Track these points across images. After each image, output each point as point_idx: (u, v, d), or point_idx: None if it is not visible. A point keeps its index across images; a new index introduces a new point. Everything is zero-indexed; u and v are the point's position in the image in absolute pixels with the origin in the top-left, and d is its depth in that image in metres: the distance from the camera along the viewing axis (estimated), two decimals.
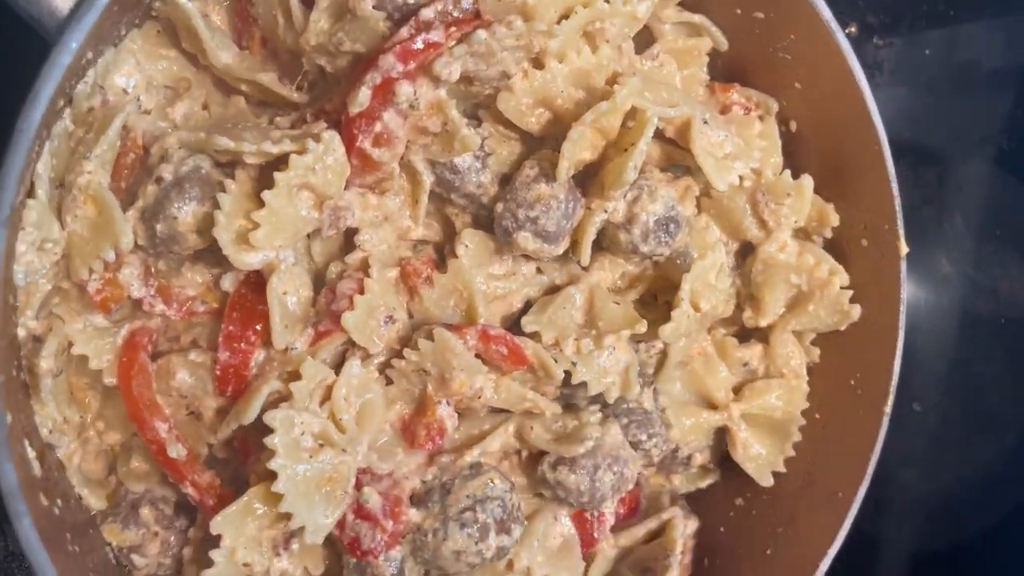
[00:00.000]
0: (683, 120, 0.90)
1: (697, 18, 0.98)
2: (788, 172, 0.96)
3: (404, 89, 0.80)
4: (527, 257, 0.92)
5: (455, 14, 0.81)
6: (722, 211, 0.98)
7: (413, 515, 0.88)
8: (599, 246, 0.93)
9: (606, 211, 0.89)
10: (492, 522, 0.85)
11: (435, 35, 0.79)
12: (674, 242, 0.92)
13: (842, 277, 0.97)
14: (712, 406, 1.00)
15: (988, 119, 1.49)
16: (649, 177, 0.91)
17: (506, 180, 0.92)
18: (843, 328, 0.99)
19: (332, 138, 0.82)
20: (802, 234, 1.00)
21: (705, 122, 0.92)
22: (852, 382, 0.99)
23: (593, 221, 0.89)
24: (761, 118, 1.00)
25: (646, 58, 0.99)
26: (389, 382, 0.89)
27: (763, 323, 0.99)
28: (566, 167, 0.86)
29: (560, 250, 0.90)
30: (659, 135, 0.91)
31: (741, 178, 0.95)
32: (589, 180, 0.91)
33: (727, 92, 1.00)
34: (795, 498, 0.99)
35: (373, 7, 0.79)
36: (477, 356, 0.87)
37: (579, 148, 0.87)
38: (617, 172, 0.86)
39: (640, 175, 0.89)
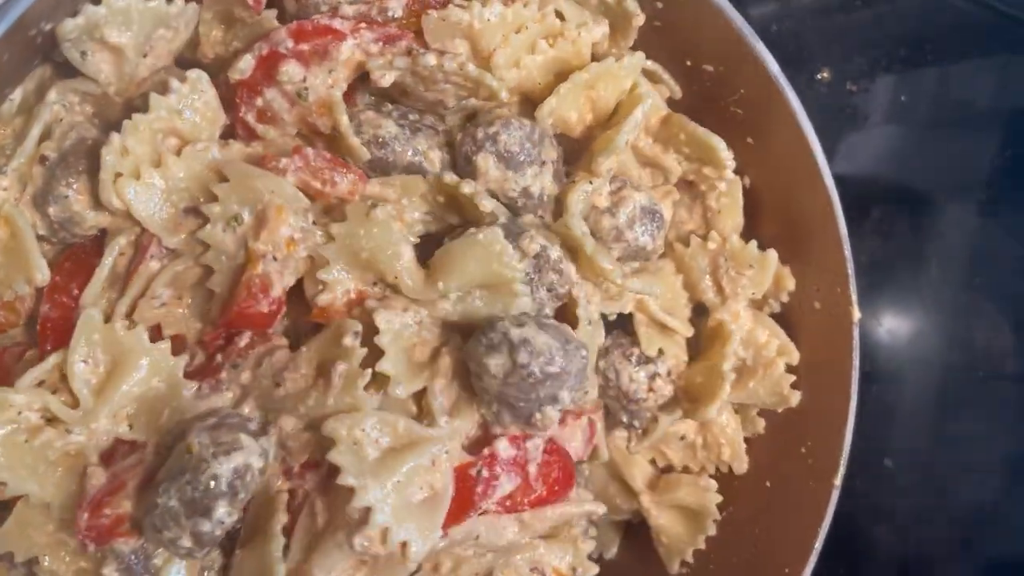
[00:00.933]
0: (661, 116, 0.89)
1: (650, 64, 0.95)
2: (754, 243, 0.94)
3: (289, 69, 0.77)
4: None
5: (377, 18, 0.78)
6: (682, 266, 0.96)
7: None
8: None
9: (591, 183, 0.85)
10: None
11: (336, 23, 0.77)
12: (658, 236, 0.90)
13: (792, 356, 0.95)
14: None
15: (966, 166, 1.47)
16: (630, 177, 0.91)
17: None
18: (779, 411, 0.96)
19: (199, 78, 0.77)
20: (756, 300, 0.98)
21: None
22: (803, 450, 0.96)
23: (577, 191, 0.85)
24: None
25: None
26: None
27: None
28: (547, 110, 0.84)
29: (529, 184, 0.84)
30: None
31: (704, 239, 0.94)
32: (573, 158, 0.90)
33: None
34: (741, 574, 0.95)
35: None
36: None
37: (568, 101, 0.85)
38: (607, 140, 0.84)
39: (617, 178, 0.89)
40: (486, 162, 0.82)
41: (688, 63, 0.93)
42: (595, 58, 0.89)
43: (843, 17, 1.34)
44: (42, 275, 0.76)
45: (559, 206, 0.85)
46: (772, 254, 0.94)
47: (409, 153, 0.83)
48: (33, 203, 0.78)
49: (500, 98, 0.82)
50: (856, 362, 0.91)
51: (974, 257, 1.47)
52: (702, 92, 0.94)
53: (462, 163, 0.84)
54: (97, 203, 0.76)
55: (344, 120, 0.79)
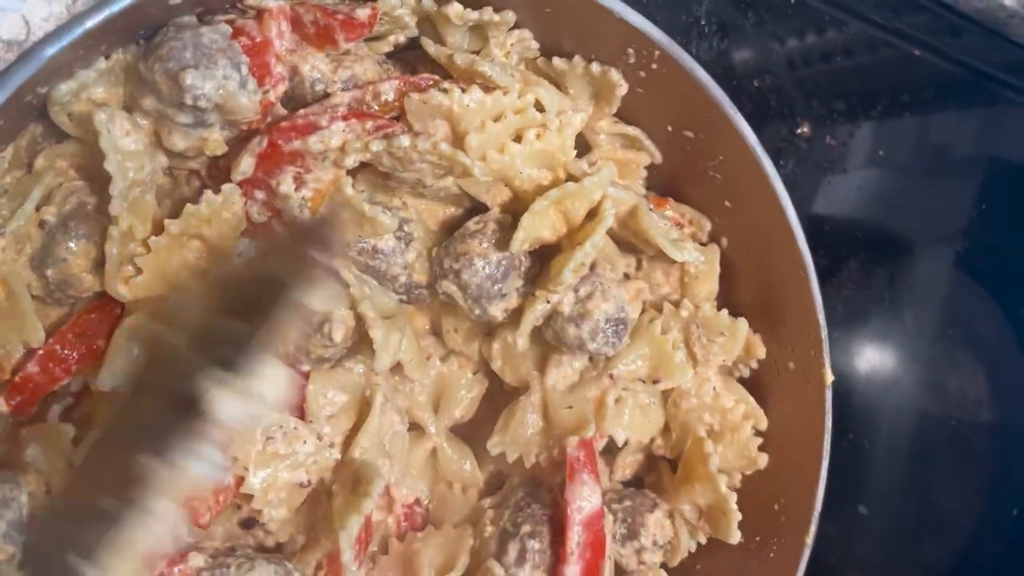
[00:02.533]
0: (631, 206, 0.89)
1: (632, 130, 0.97)
2: (725, 311, 0.96)
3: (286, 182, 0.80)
4: None
5: (372, 104, 0.80)
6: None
7: None
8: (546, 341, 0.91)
9: (548, 301, 0.87)
10: None
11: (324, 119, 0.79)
12: (620, 344, 0.90)
13: (760, 422, 0.97)
14: None
15: (944, 217, 1.49)
16: (602, 275, 0.91)
17: None
18: (749, 472, 0.97)
19: (232, 192, 0.79)
20: (726, 366, 0.99)
21: (651, 210, 0.92)
22: (776, 507, 0.97)
23: (534, 309, 0.87)
24: (705, 244, 1.00)
25: (584, 163, 0.97)
26: None
27: (670, 456, 0.98)
28: (522, 238, 0.84)
29: (489, 315, 0.87)
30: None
31: (677, 306, 0.95)
32: (542, 267, 0.90)
33: (662, 207, 0.99)
34: None
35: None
36: None
37: (539, 223, 0.86)
38: (561, 265, 0.85)
39: (593, 272, 0.89)
40: (451, 288, 0.86)
41: (670, 128, 0.94)
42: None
43: (821, 70, 1.36)
44: (38, 338, 0.77)
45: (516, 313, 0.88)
46: (742, 323, 0.95)
47: (399, 267, 0.87)
48: (30, 264, 0.79)
49: (474, 174, 0.83)
50: (828, 423, 0.93)
51: (949, 307, 1.49)
52: (683, 156, 0.96)
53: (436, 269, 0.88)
54: (96, 266, 0.77)
55: (351, 193, 0.82)
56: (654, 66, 0.86)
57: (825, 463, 0.93)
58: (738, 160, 0.90)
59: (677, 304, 0.97)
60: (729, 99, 0.86)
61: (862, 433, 1.41)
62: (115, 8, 0.66)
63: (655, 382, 0.95)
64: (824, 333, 0.92)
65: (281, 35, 0.82)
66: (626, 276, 0.98)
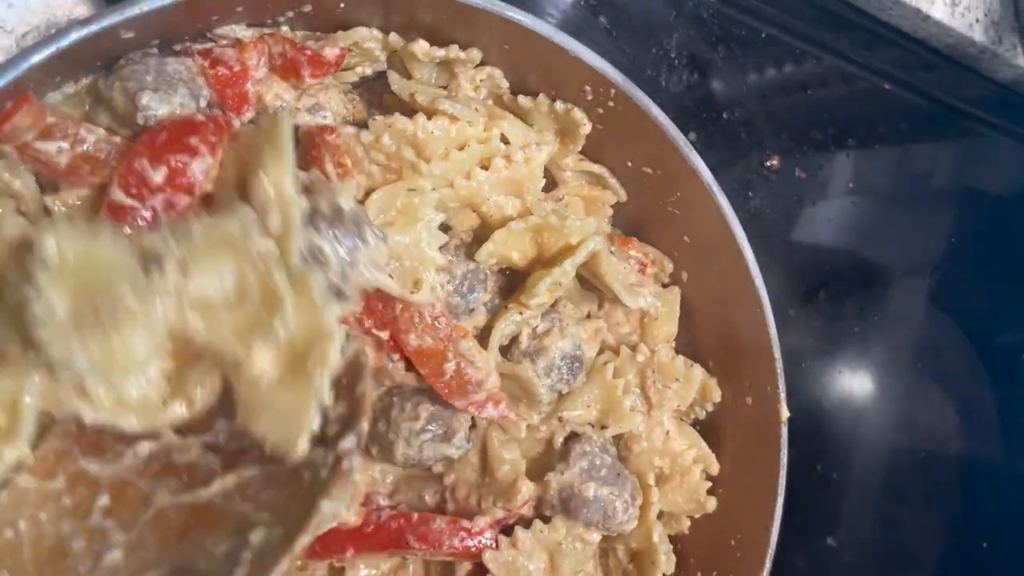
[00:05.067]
0: (594, 249, 0.89)
1: (597, 168, 0.98)
2: (681, 358, 0.97)
3: None
4: None
5: None
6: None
7: None
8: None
9: (521, 314, 0.88)
10: None
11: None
12: (574, 381, 0.92)
13: (711, 466, 0.98)
14: None
15: (914, 251, 1.50)
16: (562, 312, 0.92)
17: None
18: (697, 516, 0.97)
19: None
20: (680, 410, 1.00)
21: (612, 252, 0.93)
22: (733, 543, 0.97)
23: (505, 319, 0.88)
24: (665, 285, 1.01)
25: (551, 199, 0.98)
26: None
27: None
28: (490, 250, 0.86)
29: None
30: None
31: (634, 350, 0.97)
32: (512, 288, 0.92)
33: (626, 246, 1.00)
34: None
35: None
36: None
37: (512, 242, 0.87)
38: (538, 279, 0.86)
39: (553, 309, 0.91)
40: None
41: (629, 164, 0.95)
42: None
43: (790, 103, 1.37)
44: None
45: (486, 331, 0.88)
46: (698, 370, 0.97)
47: None
48: None
49: (421, 173, 0.83)
50: (784, 459, 0.93)
51: (919, 340, 1.50)
52: (643, 190, 0.96)
53: None
54: None
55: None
56: (611, 103, 0.87)
57: (780, 500, 0.93)
58: (695, 196, 0.91)
59: (634, 347, 0.98)
60: (684, 137, 0.87)
61: (831, 465, 1.42)
62: (63, 43, 0.66)
63: (603, 427, 0.95)
64: (780, 369, 0.92)
65: (257, 65, 0.84)
66: (588, 315, 0.98)
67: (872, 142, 1.45)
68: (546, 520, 0.90)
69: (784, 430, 0.94)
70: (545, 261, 0.89)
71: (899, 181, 1.49)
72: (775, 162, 1.36)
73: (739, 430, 0.98)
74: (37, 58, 0.66)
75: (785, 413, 0.93)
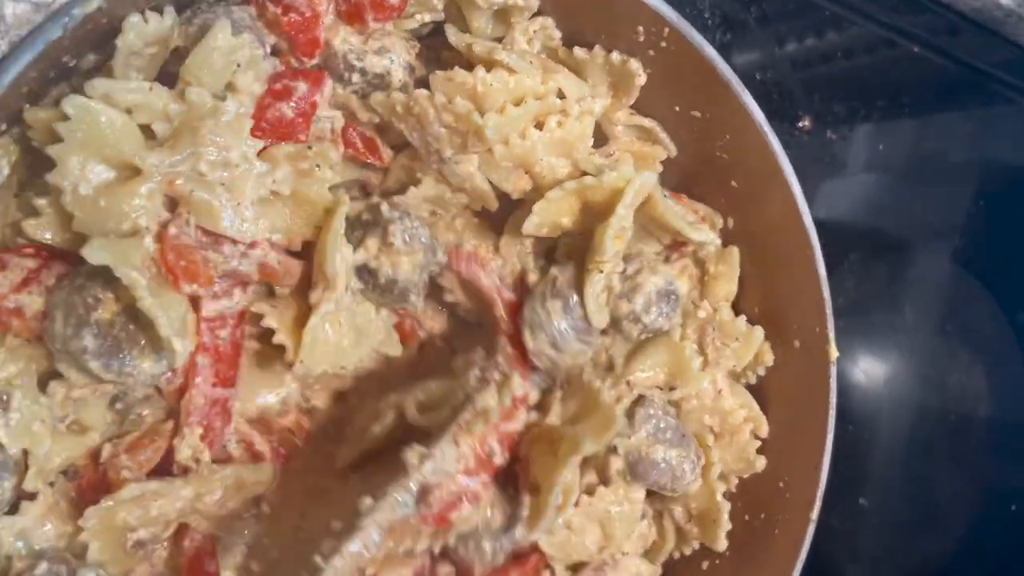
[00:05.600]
0: (643, 186, 0.88)
1: (648, 122, 0.98)
2: (743, 318, 0.98)
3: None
4: None
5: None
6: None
7: None
8: None
9: (602, 271, 0.88)
10: None
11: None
12: (673, 316, 0.93)
13: (761, 427, 0.98)
14: None
15: (943, 214, 1.50)
16: (645, 253, 0.94)
17: None
18: (746, 476, 0.99)
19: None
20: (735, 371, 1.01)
21: (665, 196, 0.93)
22: (781, 484, 0.98)
23: (592, 282, 0.88)
24: (723, 244, 1.01)
25: (602, 155, 0.99)
26: None
27: None
28: (536, 223, 0.87)
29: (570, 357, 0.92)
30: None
31: (695, 306, 0.97)
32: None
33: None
34: None
35: None
36: None
37: (555, 210, 0.87)
38: (601, 234, 0.86)
39: (635, 256, 0.92)
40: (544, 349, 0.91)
41: (677, 109, 0.96)
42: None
43: (823, 68, 1.38)
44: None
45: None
46: (758, 331, 0.97)
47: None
48: None
49: (486, 141, 0.84)
50: (833, 399, 0.94)
51: (948, 303, 1.50)
52: (690, 137, 0.98)
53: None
54: None
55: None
56: (663, 44, 0.88)
57: (830, 437, 0.94)
58: (744, 136, 0.91)
59: (695, 304, 0.99)
60: (736, 76, 0.87)
61: (862, 426, 1.43)
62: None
63: (671, 389, 0.96)
64: (829, 308, 0.93)
65: (327, 11, 0.86)
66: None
67: (901, 107, 1.45)
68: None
69: (833, 370, 0.94)
70: (599, 215, 0.90)
71: (927, 146, 1.49)
72: (807, 123, 1.36)
73: (787, 371, 0.98)
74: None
75: (834, 352, 0.94)
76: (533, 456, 0.87)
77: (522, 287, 0.94)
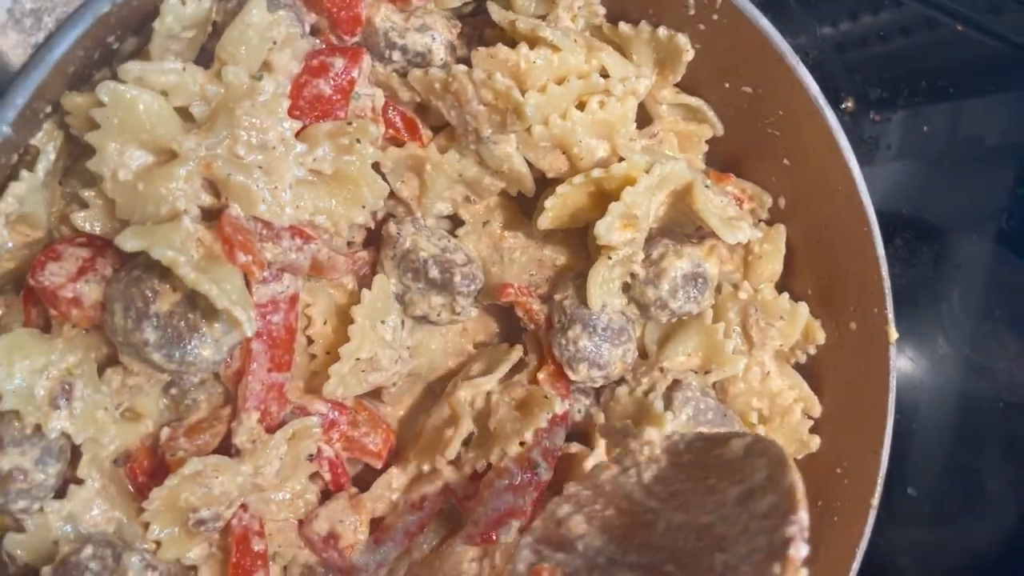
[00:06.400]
0: (685, 182, 0.87)
1: (694, 101, 0.96)
2: (786, 295, 0.95)
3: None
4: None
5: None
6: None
7: None
8: None
9: (611, 258, 0.86)
10: None
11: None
12: (703, 299, 0.91)
13: (813, 408, 0.96)
14: None
15: (988, 196, 1.46)
16: (673, 235, 0.91)
17: None
18: (800, 456, 0.96)
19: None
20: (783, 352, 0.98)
21: (707, 187, 0.90)
22: (839, 471, 0.95)
23: (597, 269, 0.87)
24: (764, 221, 0.99)
25: (645, 136, 0.97)
26: None
27: None
28: (550, 218, 0.86)
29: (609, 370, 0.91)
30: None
31: (736, 288, 0.95)
32: None
33: (723, 182, 0.98)
34: None
35: None
36: None
37: (569, 203, 0.86)
38: (597, 227, 0.84)
39: (661, 237, 0.90)
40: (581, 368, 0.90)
41: (727, 85, 0.93)
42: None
43: (865, 49, 1.36)
44: None
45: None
46: (803, 307, 0.94)
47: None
48: None
49: (525, 119, 0.82)
50: (892, 383, 0.92)
51: (995, 288, 1.46)
52: (739, 114, 0.95)
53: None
54: None
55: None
56: (715, 17, 0.86)
57: (890, 422, 0.91)
58: (799, 114, 0.89)
59: (737, 286, 0.96)
60: (791, 47, 0.84)
61: (910, 415, 1.39)
62: None
63: (707, 373, 0.93)
64: (888, 288, 0.90)
65: None
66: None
67: (943, 87, 1.42)
68: None
69: (893, 351, 0.92)
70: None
71: (970, 126, 1.46)
72: (850, 104, 1.33)
73: (845, 354, 0.95)
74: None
75: (894, 334, 0.92)
76: None
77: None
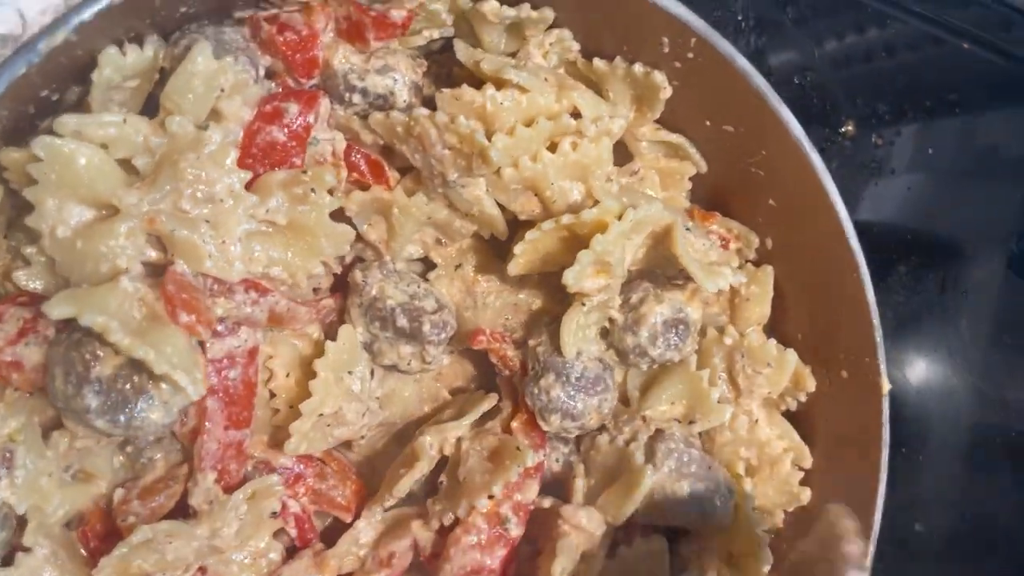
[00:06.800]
0: (664, 225, 0.83)
1: (675, 137, 0.92)
2: (773, 341, 0.91)
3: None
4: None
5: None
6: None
7: None
8: None
9: (584, 304, 0.83)
10: None
11: None
12: (684, 346, 0.87)
13: (804, 459, 0.93)
14: None
15: (997, 219, 1.42)
16: (653, 279, 0.88)
17: None
18: (791, 509, 0.92)
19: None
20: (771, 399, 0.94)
21: (688, 229, 0.87)
22: None
23: (570, 316, 0.83)
24: (751, 262, 0.95)
25: (625, 173, 0.94)
26: None
27: None
28: (522, 264, 0.83)
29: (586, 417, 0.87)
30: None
31: (721, 332, 0.91)
32: None
33: (708, 221, 0.94)
34: None
35: None
36: None
37: (538, 249, 0.83)
38: (566, 275, 0.80)
39: (641, 281, 0.87)
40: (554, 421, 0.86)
41: (708, 123, 0.89)
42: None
43: (866, 68, 1.31)
44: None
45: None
46: (791, 354, 0.90)
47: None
48: None
49: (491, 163, 0.79)
50: (886, 436, 0.87)
51: (1004, 312, 1.42)
52: (723, 152, 0.91)
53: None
54: None
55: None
56: (690, 55, 0.82)
57: (883, 477, 0.86)
58: (782, 152, 0.85)
59: (722, 329, 0.93)
60: (771, 87, 0.80)
61: (916, 447, 1.35)
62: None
63: (691, 423, 0.90)
64: (879, 337, 0.86)
65: (325, 29, 0.82)
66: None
67: (950, 107, 1.37)
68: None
69: (886, 404, 0.87)
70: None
71: (978, 147, 1.42)
72: (850, 128, 1.29)
73: (835, 404, 0.91)
74: (87, 14, 0.61)
75: (886, 385, 0.87)
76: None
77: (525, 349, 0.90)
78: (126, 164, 0.72)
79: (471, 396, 0.93)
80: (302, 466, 0.86)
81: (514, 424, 0.87)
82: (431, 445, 0.86)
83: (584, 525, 0.82)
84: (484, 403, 0.90)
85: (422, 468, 0.85)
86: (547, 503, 0.88)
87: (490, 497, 0.82)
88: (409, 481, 0.83)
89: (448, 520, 0.84)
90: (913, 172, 1.33)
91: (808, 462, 0.93)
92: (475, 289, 0.92)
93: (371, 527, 0.87)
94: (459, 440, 0.88)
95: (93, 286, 0.69)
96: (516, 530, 0.83)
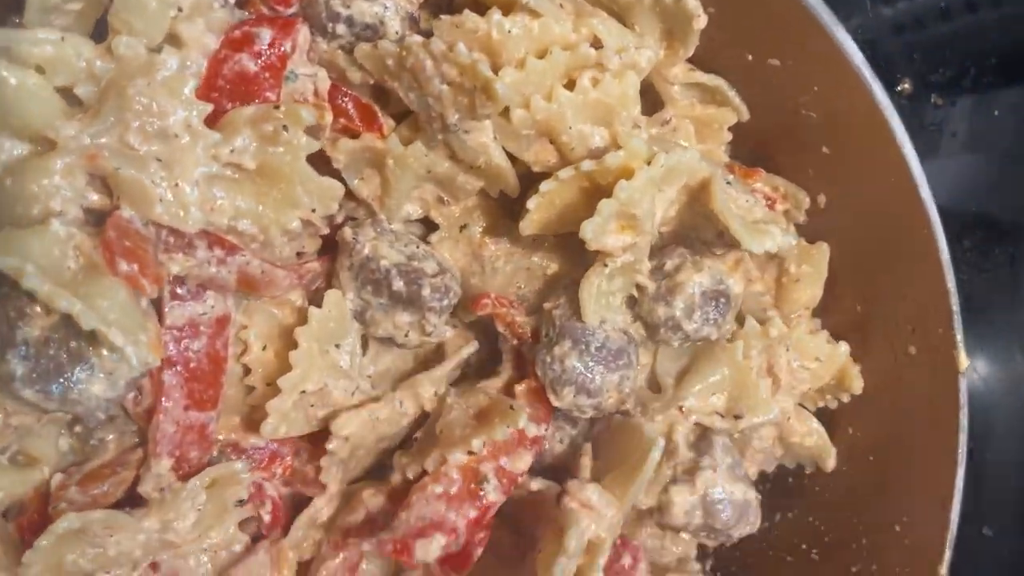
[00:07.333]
0: (701, 178, 0.73)
1: (711, 79, 0.83)
2: (825, 334, 0.84)
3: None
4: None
5: None
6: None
7: None
8: None
9: (606, 264, 0.73)
10: None
11: None
12: (724, 322, 0.78)
13: (826, 461, 0.86)
14: None
15: None
16: (691, 244, 0.79)
17: None
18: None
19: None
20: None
21: (728, 183, 0.78)
22: (898, 528, 0.80)
23: (589, 279, 0.74)
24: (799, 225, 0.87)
25: (655, 123, 0.85)
26: None
27: None
28: (534, 221, 0.74)
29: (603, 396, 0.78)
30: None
31: (764, 323, 0.83)
32: None
33: (750, 179, 0.85)
34: None
35: None
36: None
37: (554, 203, 0.74)
38: (585, 229, 0.71)
39: (678, 245, 0.78)
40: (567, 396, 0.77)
41: (749, 57, 0.79)
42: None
43: (926, 29, 1.23)
44: None
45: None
46: (843, 348, 0.83)
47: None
48: None
49: (496, 92, 0.69)
50: (964, 421, 0.78)
51: None
52: (767, 93, 0.81)
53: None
54: None
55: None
56: None
57: (962, 470, 0.75)
58: (840, 89, 0.75)
59: (765, 312, 0.85)
60: (827, 7, 0.68)
61: (982, 443, 1.25)
62: None
63: (736, 417, 0.81)
64: (955, 303, 0.75)
65: None
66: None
67: (1014, 70, 1.26)
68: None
69: (963, 383, 0.77)
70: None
71: None
72: (907, 86, 1.20)
73: (901, 385, 0.81)
74: None
75: (964, 361, 0.78)
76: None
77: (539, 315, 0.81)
78: (68, 94, 0.64)
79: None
80: (276, 444, 0.77)
81: (518, 388, 0.78)
82: (400, 402, 0.78)
83: (594, 503, 0.71)
84: (465, 348, 0.81)
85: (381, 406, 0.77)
86: (534, 485, 0.78)
87: (470, 453, 0.72)
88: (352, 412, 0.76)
89: (413, 474, 0.74)
90: (976, 138, 1.25)
91: (830, 465, 0.86)
92: (482, 253, 0.83)
93: (329, 506, 0.79)
94: (441, 396, 0.79)
95: (22, 229, 0.60)
96: (494, 495, 0.72)
